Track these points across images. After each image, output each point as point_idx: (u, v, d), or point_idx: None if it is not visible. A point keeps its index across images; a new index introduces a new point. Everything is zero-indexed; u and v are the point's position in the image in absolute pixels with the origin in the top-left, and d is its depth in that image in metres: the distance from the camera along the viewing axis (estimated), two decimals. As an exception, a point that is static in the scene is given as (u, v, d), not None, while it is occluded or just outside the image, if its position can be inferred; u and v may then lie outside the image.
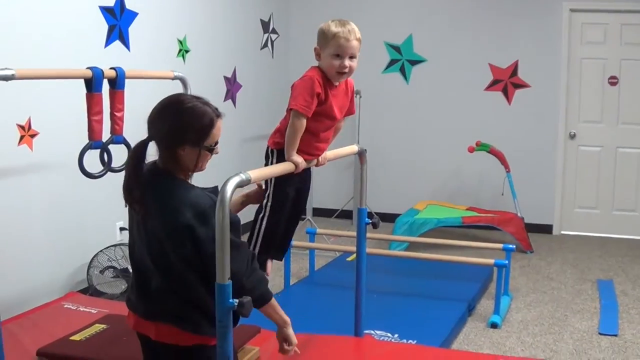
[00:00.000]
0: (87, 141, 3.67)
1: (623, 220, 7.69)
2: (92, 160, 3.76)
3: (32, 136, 4.60)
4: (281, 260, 3.69)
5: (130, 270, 2.77)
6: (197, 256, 2.40)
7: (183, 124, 2.46)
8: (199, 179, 2.60)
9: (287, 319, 2.71)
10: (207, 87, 6.35)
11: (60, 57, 4.73)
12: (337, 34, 3.01)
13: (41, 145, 4.67)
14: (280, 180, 3.20)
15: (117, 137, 3.82)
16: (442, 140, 8.05)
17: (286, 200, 3.28)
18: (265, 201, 3.26)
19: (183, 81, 4.24)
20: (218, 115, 2.53)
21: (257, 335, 3.61)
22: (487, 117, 7.85)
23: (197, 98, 2.54)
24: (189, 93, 4.11)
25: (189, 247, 2.39)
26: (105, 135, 3.77)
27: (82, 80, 3.58)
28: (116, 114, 3.77)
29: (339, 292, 5.13)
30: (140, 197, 2.45)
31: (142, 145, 2.48)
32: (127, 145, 3.87)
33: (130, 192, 2.47)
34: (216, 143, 2.53)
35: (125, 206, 2.54)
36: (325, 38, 3.03)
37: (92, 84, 3.56)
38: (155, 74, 4.49)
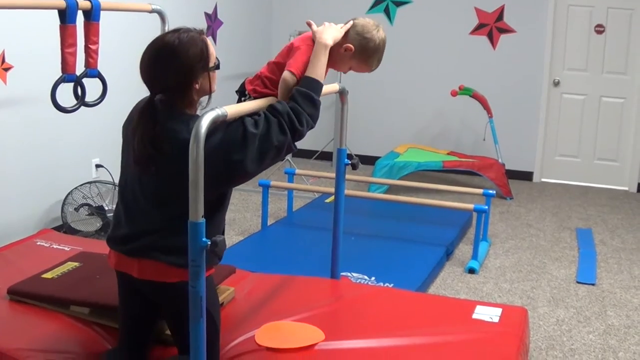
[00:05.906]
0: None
1: (604, 169, 7.69)
2: (67, 94, 3.67)
3: (6, 69, 4.48)
4: None
5: (107, 208, 2.70)
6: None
7: (185, 63, 2.41)
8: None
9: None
10: (187, 23, 6.10)
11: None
12: (373, 65, 3.05)
13: (15, 79, 4.55)
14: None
15: (92, 71, 3.70)
16: (425, 83, 7.98)
17: None
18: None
19: (161, 14, 4.10)
20: (202, 33, 2.51)
21: (232, 275, 3.56)
22: (471, 61, 7.77)
23: (176, 31, 2.48)
24: (166, 28, 4.00)
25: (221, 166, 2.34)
26: (80, 69, 3.66)
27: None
28: (91, 46, 3.66)
29: (317, 234, 5.11)
30: (154, 155, 2.38)
31: (150, 105, 2.42)
32: (102, 79, 3.78)
33: (145, 154, 2.39)
34: (216, 59, 2.52)
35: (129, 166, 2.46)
36: (366, 56, 3.01)
37: (65, 15, 3.44)
38: (131, 6, 4.33)
